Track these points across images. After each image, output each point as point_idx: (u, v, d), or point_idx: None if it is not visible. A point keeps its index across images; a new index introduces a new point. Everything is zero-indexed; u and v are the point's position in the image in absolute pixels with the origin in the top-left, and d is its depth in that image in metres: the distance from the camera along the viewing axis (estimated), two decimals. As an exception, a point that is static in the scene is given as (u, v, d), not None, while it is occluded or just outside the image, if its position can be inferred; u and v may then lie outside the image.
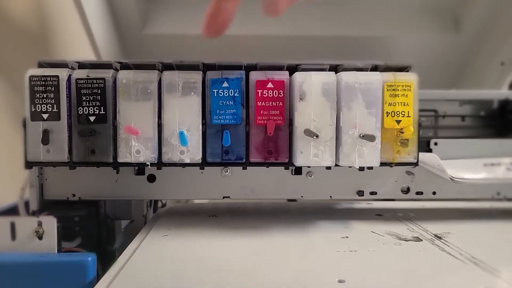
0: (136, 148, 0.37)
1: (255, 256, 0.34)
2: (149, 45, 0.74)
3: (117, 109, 0.37)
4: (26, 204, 0.41)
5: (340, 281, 0.29)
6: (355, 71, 0.37)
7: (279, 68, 0.39)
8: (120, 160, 0.37)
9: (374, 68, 0.39)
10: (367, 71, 0.38)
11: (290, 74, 0.38)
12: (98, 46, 0.68)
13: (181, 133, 0.36)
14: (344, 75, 0.37)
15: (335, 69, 0.39)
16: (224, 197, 0.43)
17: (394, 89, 0.37)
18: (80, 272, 0.32)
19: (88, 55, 0.70)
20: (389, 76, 0.37)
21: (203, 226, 0.42)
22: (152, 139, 0.37)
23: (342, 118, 0.37)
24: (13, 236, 0.33)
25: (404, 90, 0.37)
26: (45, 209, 0.40)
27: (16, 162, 0.41)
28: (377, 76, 0.37)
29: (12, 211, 0.44)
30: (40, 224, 0.34)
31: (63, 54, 0.77)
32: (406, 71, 0.38)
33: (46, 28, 0.73)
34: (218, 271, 0.31)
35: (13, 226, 0.33)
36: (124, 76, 0.37)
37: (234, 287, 0.28)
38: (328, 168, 0.41)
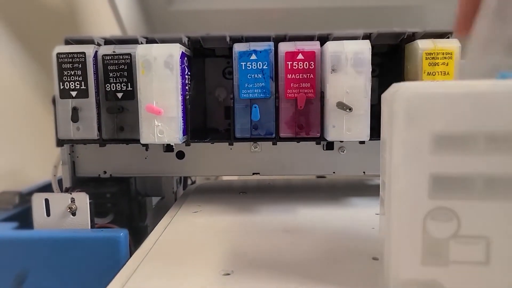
0: (160, 128, 0.35)
1: (287, 233, 0.33)
2: (175, 21, 0.73)
3: (138, 87, 0.35)
4: (59, 182, 0.42)
5: (374, 259, 0.28)
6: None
7: (310, 38, 0.37)
8: (143, 141, 0.36)
9: (411, 36, 0.36)
10: (403, 37, 0.36)
11: (321, 45, 0.36)
12: (124, 23, 0.68)
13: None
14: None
15: (369, 37, 0.37)
16: (253, 173, 0.43)
17: (433, 58, 0.34)
18: (113, 248, 0.32)
19: (114, 33, 0.69)
20: (428, 43, 0.35)
21: (233, 203, 0.42)
22: (176, 118, 0.35)
23: (377, 89, 0.35)
24: (48, 212, 0.34)
25: (445, 58, 0.34)
26: (77, 186, 0.41)
27: (49, 141, 0.42)
28: (415, 44, 0.35)
29: (45, 189, 0.45)
30: (73, 200, 0.34)
31: (89, 31, 0.77)
32: (447, 38, 0.36)
33: (71, 5, 0.73)
34: (249, 249, 0.30)
35: (47, 202, 0.34)
36: (143, 50, 0.35)
37: (265, 265, 0.28)
38: (362, 142, 0.39)
